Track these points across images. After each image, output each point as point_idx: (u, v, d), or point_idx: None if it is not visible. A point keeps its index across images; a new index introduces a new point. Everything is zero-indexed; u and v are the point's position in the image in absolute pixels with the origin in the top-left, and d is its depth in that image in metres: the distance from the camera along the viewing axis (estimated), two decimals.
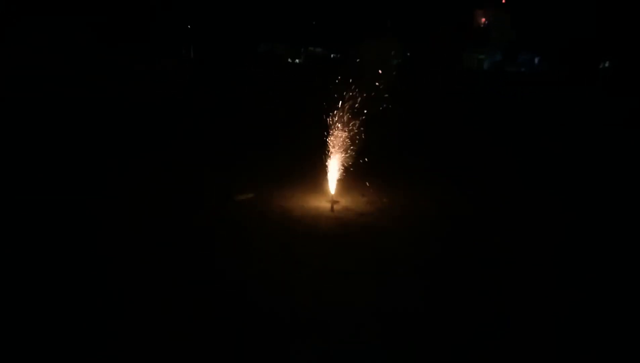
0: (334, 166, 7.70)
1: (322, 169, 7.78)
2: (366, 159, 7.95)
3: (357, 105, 7.71)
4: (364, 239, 6.08)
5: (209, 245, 5.79)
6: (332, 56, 45.16)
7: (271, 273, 5.07)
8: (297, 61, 44.63)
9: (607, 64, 39.78)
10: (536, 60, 46.97)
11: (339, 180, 7.70)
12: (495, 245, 6.11)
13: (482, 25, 49.23)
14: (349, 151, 7.72)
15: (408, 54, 42.13)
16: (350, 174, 7.87)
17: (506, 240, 6.36)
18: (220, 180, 8.56)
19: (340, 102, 7.68)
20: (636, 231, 6.83)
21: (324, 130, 7.81)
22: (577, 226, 6.97)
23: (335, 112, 7.70)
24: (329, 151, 7.68)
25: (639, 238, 6.55)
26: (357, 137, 7.75)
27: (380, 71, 9.14)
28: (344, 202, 7.45)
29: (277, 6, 41.46)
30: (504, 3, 47.88)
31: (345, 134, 7.66)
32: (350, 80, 7.97)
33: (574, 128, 15.58)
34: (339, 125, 7.63)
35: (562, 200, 8.14)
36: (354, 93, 7.79)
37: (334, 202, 7.31)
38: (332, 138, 7.68)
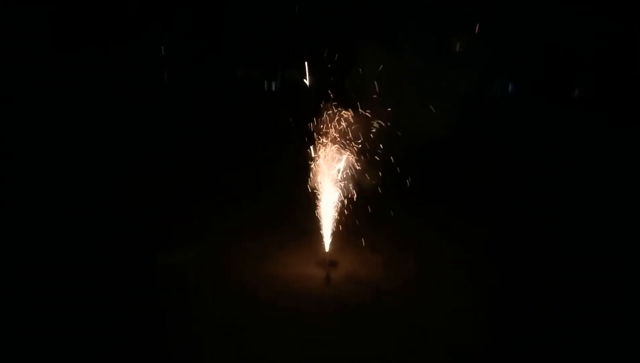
0: (329, 200, 5.48)
1: (311, 206, 5.83)
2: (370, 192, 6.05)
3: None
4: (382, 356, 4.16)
5: None
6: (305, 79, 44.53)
7: None
8: (272, 88, 43.90)
9: (578, 92, 40.54)
10: (510, 87, 47.55)
11: (336, 221, 5.45)
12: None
13: (457, 51, 49.80)
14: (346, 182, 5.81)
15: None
16: (353, 207, 5.90)
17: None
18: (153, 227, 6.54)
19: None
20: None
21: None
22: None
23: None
24: (318, 174, 5.70)
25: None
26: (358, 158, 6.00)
27: None
28: (346, 264, 4.98)
29: (254, 31, 40.93)
30: (477, 32, 48.73)
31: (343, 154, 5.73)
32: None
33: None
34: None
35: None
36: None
37: (330, 266, 4.99)
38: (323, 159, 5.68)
